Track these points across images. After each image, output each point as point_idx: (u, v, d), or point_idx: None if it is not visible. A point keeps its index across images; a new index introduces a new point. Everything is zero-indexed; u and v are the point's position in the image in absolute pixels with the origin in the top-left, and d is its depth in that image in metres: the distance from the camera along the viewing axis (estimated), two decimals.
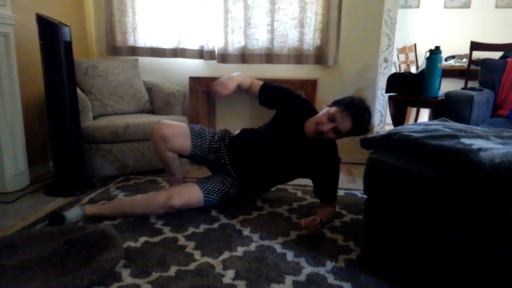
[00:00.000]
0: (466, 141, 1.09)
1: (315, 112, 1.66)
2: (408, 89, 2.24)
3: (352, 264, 1.28)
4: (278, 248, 1.38)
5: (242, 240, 1.44)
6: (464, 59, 3.52)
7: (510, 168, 0.94)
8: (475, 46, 2.58)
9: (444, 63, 3.06)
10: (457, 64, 3.50)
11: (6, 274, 1.15)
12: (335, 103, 1.55)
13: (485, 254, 0.98)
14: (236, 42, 2.60)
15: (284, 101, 1.68)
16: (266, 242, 1.43)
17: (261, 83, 1.69)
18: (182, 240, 1.43)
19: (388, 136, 1.24)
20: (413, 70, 3.80)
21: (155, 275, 1.20)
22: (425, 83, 2.17)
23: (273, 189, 1.93)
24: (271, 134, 1.68)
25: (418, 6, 4.24)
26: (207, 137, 1.71)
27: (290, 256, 1.33)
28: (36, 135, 2.26)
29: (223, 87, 1.59)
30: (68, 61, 1.90)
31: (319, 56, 2.53)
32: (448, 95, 2.02)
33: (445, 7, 4.16)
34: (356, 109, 1.48)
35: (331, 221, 1.61)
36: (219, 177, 1.69)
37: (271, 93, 1.69)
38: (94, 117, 2.28)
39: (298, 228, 1.55)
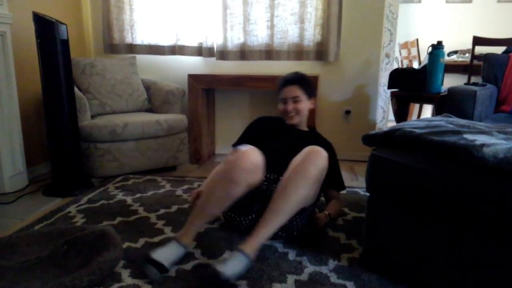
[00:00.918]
0: (469, 136, 1.07)
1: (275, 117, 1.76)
2: (410, 85, 2.22)
3: (355, 263, 1.27)
4: (280, 247, 1.37)
5: (243, 239, 1.42)
6: (467, 54, 3.49)
7: None
8: (477, 41, 2.55)
9: (446, 58, 3.02)
10: (460, 59, 3.47)
11: (6, 275, 1.15)
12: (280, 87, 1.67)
13: (488, 252, 0.97)
14: (235, 38, 2.57)
15: (256, 130, 1.68)
16: (268, 241, 1.41)
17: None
18: None
19: (391, 132, 1.22)
20: (415, 65, 3.77)
21: None
22: (427, 79, 2.14)
23: None
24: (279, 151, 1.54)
25: (419, 1, 4.21)
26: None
27: (292, 255, 1.32)
28: (34, 135, 2.25)
29: None
30: (65, 60, 1.89)
31: (320, 52, 2.51)
32: (451, 90, 1.99)
33: (447, 1, 4.12)
34: (281, 79, 1.65)
35: (338, 216, 1.60)
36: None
37: (247, 139, 1.65)
38: (92, 116, 2.27)
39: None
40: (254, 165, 1.29)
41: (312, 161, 1.28)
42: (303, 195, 1.27)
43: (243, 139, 1.66)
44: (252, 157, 1.29)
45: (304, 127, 1.68)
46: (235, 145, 1.65)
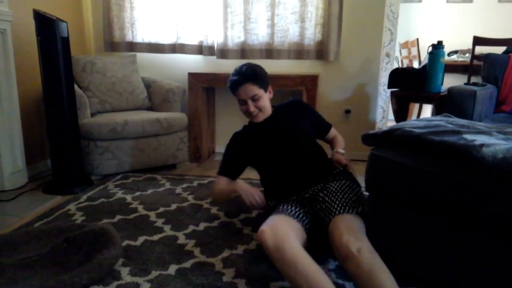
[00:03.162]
0: (468, 136, 1.07)
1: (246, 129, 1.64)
2: (410, 84, 2.22)
3: None
4: None
5: (243, 238, 1.43)
6: (467, 54, 3.49)
7: None
8: (478, 41, 2.55)
9: (446, 58, 3.02)
10: (460, 59, 3.47)
11: (5, 272, 1.15)
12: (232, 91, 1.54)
13: (489, 251, 0.97)
14: (235, 37, 2.57)
15: (241, 153, 1.56)
16: None
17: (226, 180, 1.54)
18: (182, 239, 1.42)
19: (390, 132, 1.22)
20: (415, 65, 3.77)
21: (154, 273, 1.19)
22: (427, 79, 2.14)
23: None
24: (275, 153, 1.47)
25: (420, 1, 4.20)
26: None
27: None
28: (34, 132, 2.25)
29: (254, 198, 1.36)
30: (66, 58, 1.89)
31: (320, 51, 2.51)
32: (450, 90, 1.99)
33: (448, 1, 4.12)
34: (232, 79, 1.50)
35: (343, 145, 1.64)
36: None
37: (234, 166, 1.57)
38: (92, 114, 2.27)
39: None
40: (288, 228, 1.13)
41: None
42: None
43: (228, 165, 1.56)
44: (281, 227, 1.12)
45: (270, 112, 1.55)
46: (220, 172, 1.56)
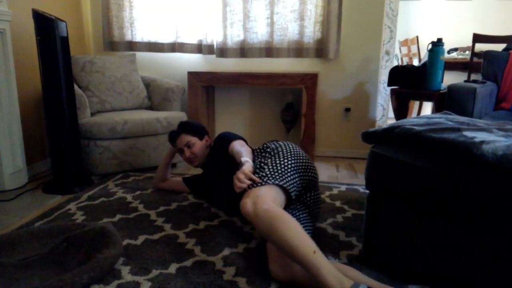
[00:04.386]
0: (468, 134, 1.07)
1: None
2: (410, 82, 2.22)
3: (354, 260, 1.27)
4: None
5: (243, 236, 1.43)
6: (467, 52, 3.48)
7: None
8: (477, 38, 2.54)
9: (446, 55, 3.02)
10: (460, 56, 3.46)
11: (6, 272, 1.15)
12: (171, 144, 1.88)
13: (489, 248, 0.97)
14: (235, 35, 2.57)
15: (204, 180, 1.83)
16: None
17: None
18: (182, 237, 1.42)
19: (390, 129, 1.22)
20: (415, 63, 3.76)
21: (155, 272, 1.19)
22: (427, 76, 2.14)
23: None
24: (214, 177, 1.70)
25: None
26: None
27: None
28: (33, 132, 2.25)
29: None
30: (65, 57, 1.88)
31: (320, 49, 2.50)
32: (450, 88, 1.99)
33: None
34: (171, 132, 1.85)
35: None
36: None
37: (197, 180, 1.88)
38: (92, 114, 2.27)
39: None
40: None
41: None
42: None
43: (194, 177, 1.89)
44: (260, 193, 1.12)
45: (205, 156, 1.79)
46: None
